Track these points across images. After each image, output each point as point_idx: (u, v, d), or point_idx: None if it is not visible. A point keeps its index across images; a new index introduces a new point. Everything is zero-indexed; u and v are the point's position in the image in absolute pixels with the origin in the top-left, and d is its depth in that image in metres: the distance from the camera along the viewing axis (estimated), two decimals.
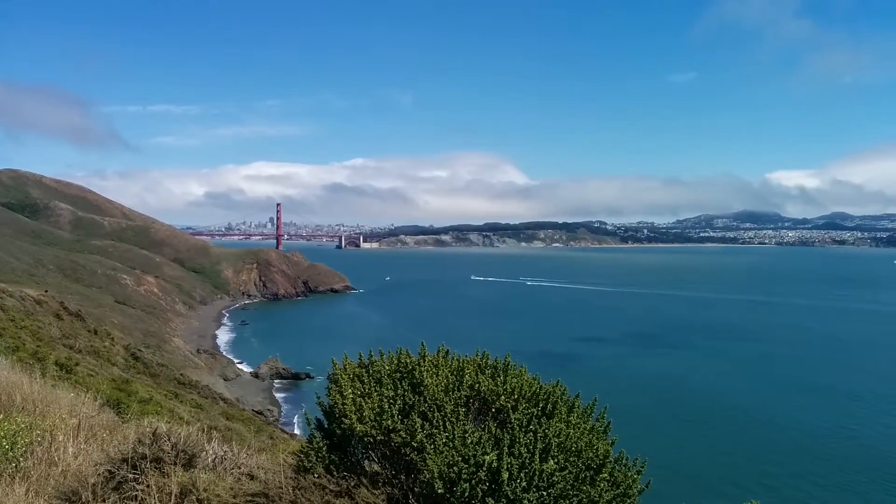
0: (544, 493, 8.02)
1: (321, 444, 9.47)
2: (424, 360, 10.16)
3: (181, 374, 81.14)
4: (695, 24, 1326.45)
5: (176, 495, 8.05)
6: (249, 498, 8.42)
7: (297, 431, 76.03)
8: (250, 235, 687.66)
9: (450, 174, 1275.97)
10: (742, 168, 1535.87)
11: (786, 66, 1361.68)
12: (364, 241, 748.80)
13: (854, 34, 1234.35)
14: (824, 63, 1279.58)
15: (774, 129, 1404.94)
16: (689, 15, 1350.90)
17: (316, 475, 9.03)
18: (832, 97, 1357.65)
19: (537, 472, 8.04)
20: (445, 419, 8.90)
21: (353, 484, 8.96)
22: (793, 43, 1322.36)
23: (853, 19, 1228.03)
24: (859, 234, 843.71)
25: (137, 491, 8.16)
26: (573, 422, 9.54)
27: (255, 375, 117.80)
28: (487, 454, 8.19)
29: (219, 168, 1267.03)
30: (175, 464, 8.67)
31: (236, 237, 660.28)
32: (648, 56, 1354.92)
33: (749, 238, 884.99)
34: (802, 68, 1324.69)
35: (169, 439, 9.07)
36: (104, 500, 8.19)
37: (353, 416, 9.07)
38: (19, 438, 9.29)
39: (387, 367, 10.17)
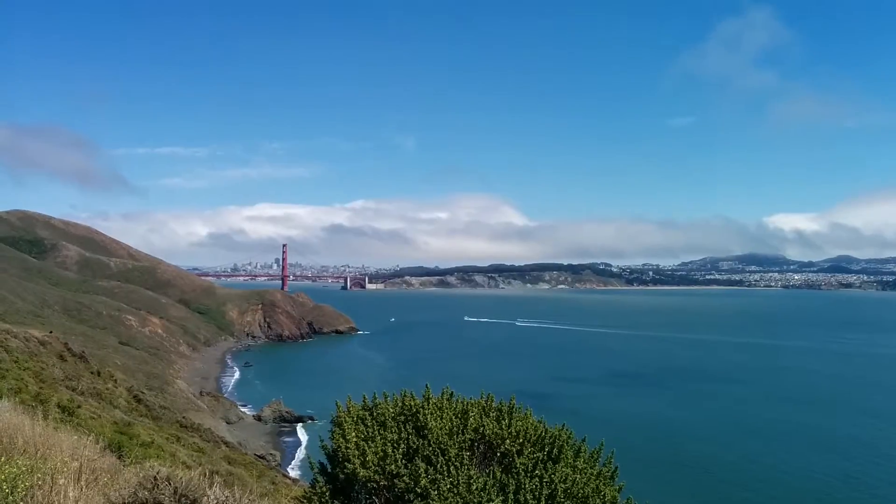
0: None
1: (324, 489, 9.37)
2: (429, 403, 10.08)
3: (183, 417, 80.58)
4: (664, 74, 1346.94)
5: None
6: None
7: (299, 476, 75.20)
8: (256, 276, 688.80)
9: (449, 216, 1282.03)
10: (737, 211, 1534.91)
11: (758, 114, 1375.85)
12: (369, 283, 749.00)
13: (816, 83, 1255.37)
14: (796, 111, 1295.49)
15: (769, 173, 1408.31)
16: (657, 67, 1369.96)
17: None
18: (824, 142, 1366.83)
19: None
20: (450, 463, 8.79)
21: None
22: (757, 92, 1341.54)
23: (810, 68, 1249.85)
24: (865, 278, 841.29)
25: None
26: (580, 467, 9.41)
27: (258, 418, 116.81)
28: (492, 500, 8.07)
29: (221, 209, 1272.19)
30: None
31: (242, 278, 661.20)
32: (644, 100, 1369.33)
33: (755, 281, 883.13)
34: (774, 116, 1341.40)
35: (170, 484, 8.98)
36: None
37: (357, 460, 8.97)
38: (20, 482, 9.20)
39: (391, 410, 10.09)
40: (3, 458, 9.82)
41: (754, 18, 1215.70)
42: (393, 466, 8.81)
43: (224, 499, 9.21)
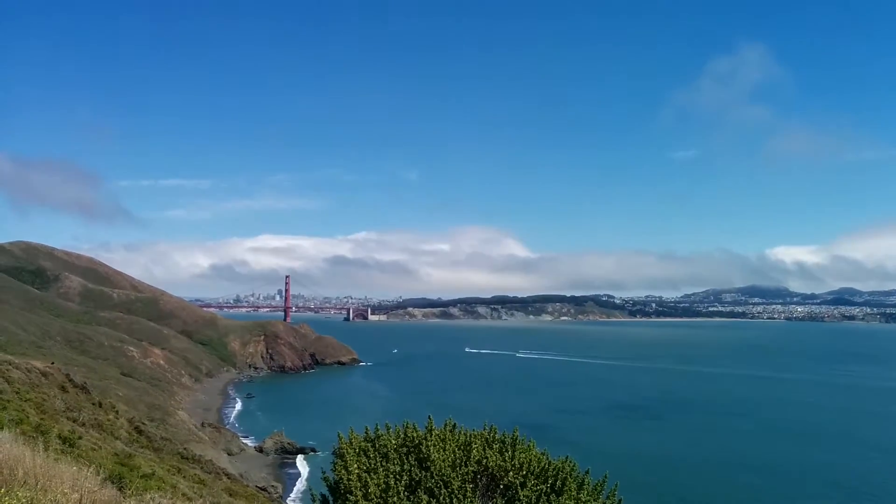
0: None
1: None
2: (431, 435, 10.04)
3: (185, 449, 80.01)
4: (666, 107, 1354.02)
5: None
6: None
7: None
8: (259, 307, 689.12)
9: (451, 247, 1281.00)
10: (738, 243, 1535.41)
11: (757, 147, 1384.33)
12: (372, 314, 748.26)
13: (812, 118, 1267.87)
14: (794, 144, 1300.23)
15: (770, 205, 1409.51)
16: (658, 100, 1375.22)
17: None
18: (824, 175, 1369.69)
19: None
20: (453, 496, 8.73)
21: None
22: (755, 126, 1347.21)
23: (806, 103, 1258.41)
24: (868, 310, 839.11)
25: None
26: (583, 499, 9.34)
27: (260, 450, 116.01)
28: None
29: (224, 241, 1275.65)
30: None
31: (245, 309, 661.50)
32: (646, 133, 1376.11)
33: (758, 313, 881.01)
34: (772, 149, 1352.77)
35: None
36: None
37: (359, 492, 8.91)
38: None
39: (393, 442, 10.04)
40: (3, 490, 9.78)
41: (748, 55, 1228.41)
42: (395, 499, 8.76)
43: None
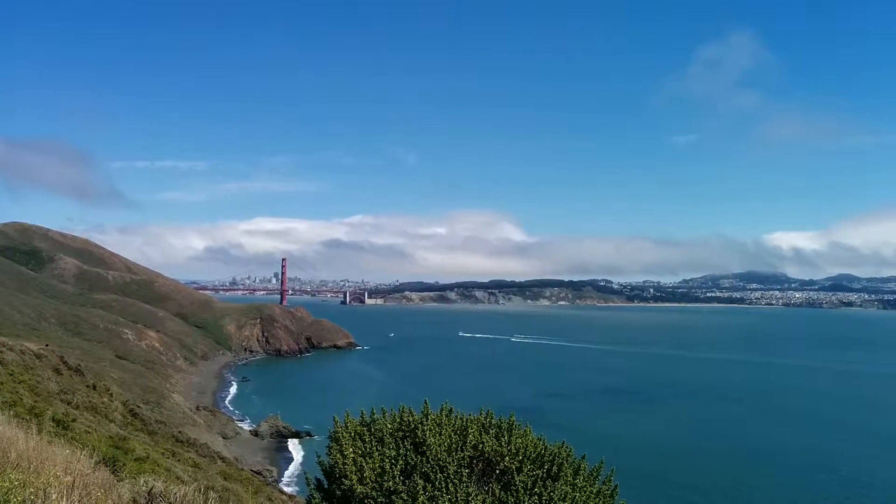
0: None
1: None
2: (427, 419, 9.98)
3: (179, 432, 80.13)
4: (662, 91, 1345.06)
5: None
6: None
7: (296, 492, 74.70)
8: (255, 290, 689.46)
9: (448, 231, 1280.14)
10: (734, 229, 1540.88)
11: (753, 132, 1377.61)
12: (369, 297, 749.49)
13: (805, 105, 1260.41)
14: (790, 129, 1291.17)
15: (767, 191, 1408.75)
16: (656, 83, 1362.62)
17: None
18: (821, 160, 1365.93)
19: None
20: (448, 481, 8.67)
21: None
22: (747, 112, 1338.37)
23: (805, 87, 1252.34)
24: (866, 296, 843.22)
25: None
26: (579, 485, 9.29)
27: (255, 433, 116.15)
28: None
29: (219, 223, 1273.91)
30: None
31: (241, 292, 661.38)
32: (645, 118, 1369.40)
33: (756, 298, 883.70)
34: (769, 134, 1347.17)
35: (165, 499, 8.86)
36: None
37: (354, 476, 8.85)
38: (12, 496, 9.08)
39: (389, 426, 9.98)
40: None
41: (739, 39, 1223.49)
42: (391, 483, 8.70)
43: None
